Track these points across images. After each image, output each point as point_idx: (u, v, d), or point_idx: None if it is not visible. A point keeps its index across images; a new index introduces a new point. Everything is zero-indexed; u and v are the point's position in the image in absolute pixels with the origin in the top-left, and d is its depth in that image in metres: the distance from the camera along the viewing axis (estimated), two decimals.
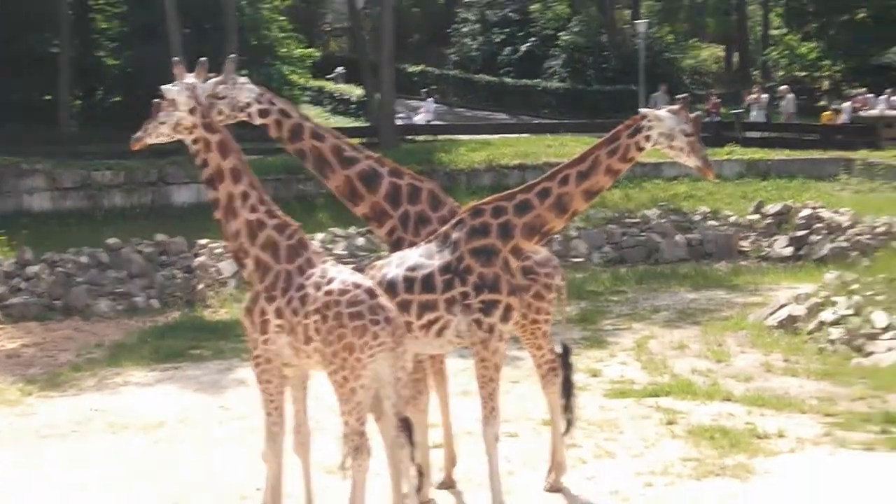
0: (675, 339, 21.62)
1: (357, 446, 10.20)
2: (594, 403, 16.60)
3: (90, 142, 43.04)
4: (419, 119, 54.75)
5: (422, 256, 11.33)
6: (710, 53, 76.82)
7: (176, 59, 11.39)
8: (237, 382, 18.97)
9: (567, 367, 12.81)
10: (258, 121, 12.30)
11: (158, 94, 10.87)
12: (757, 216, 35.02)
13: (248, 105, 12.26)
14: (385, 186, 12.25)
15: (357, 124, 56.19)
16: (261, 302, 10.64)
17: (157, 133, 10.89)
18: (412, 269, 11.24)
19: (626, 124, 11.30)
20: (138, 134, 10.92)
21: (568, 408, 12.77)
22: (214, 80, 12.04)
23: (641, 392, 17.32)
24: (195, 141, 10.86)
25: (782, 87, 52.08)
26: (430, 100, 56.00)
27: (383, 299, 10.25)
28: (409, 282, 11.17)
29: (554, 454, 12.82)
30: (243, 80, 12.32)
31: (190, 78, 11.06)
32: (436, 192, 12.39)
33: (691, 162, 11.23)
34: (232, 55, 12.40)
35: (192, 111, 10.82)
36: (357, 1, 60.48)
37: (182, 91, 10.84)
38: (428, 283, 11.15)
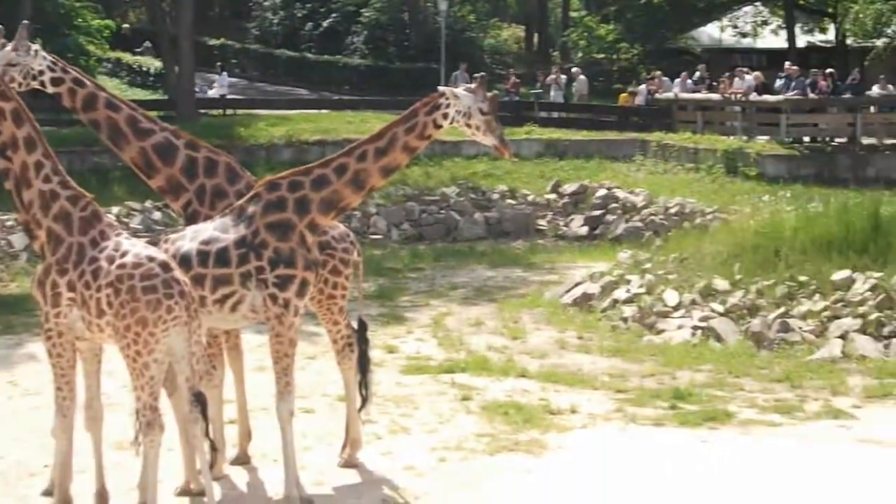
0: (472, 316, 21.80)
1: (149, 421, 10.06)
2: (390, 379, 16.63)
3: None
4: (213, 93, 54.04)
5: (216, 230, 11.19)
6: (511, 34, 77.60)
7: None
8: (27, 357, 18.53)
9: (363, 342, 12.79)
10: (51, 89, 12.03)
11: None
12: (554, 195, 35.55)
13: (41, 73, 11.98)
14: (181, 159, 12.08)
15: (155, 97, 55.31)
16: (52, 274, 10.40)
17: None
18: (206, 242, 11.10)
19: (424, 102, 11.33)
20: None
21: (363, 383, 12.76)
22: (8, 47, 11.74)
23: (437, 368, 17.42)
24: None
25: (574, 69, 52.78)
26: (224, 74, 55.17)
27: (177, 273, 10.11)
28: (203, 255, 11.03)
29: (349, 430, 12.80)
30: (36, 47, 12.02)
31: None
32: (233, 166, 12.27)
33: (488, 140, 11.32)
34: (25, 22, 12.07)
35: None
36: None
37: None
38: (222, 258, 11.02)
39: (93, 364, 11.00)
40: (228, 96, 53.22)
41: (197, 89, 49.10)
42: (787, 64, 42.22)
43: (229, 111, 48.20)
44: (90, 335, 10.46)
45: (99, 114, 12.07)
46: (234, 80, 64.16)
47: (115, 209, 29.55)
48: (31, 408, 15.37)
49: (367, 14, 64.39)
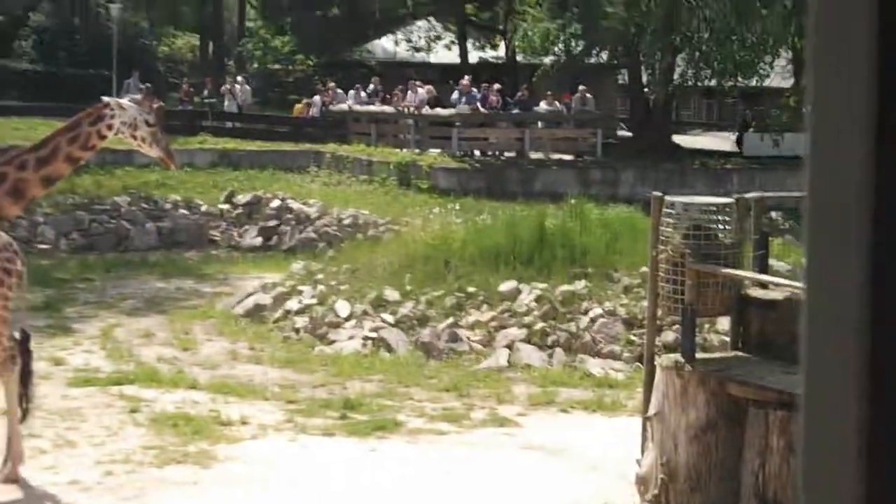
0: (143, 327, 21.52)
1: None
2: (56, 392, 16.27)
3: None
4: None
5: None
6: (186, 42, 76.83)
7: None
8: None
9: (26, 354, 12.48)
10: None
11: None
12: (228, 206, 35.34)
13: None
14: None
15: None
16: None
17: None
18: None
19: (88, 112, 11.17)
20: None
21: (25, 396, 12.44)
22: None
23: (106, 380, 17.14)
24: None
25: (238, 79, 52.47)
26: None
27: None
28: None
29: (11, 444, 12.45)
30: None
31: None
32: None
33: (153, 152, 11.26)
34: None
35: None
36: None
37: None
38: None
39: None
40: None
41: None
42: (465, 79, 42.94)
43: None
44: None
45: None
46: None
47: None
48: None
49: (35, 18, 62.77)
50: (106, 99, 11.30)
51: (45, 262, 28.44)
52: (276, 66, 62.98)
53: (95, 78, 55.54)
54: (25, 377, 12.45)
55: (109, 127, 11.02)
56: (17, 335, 12.47)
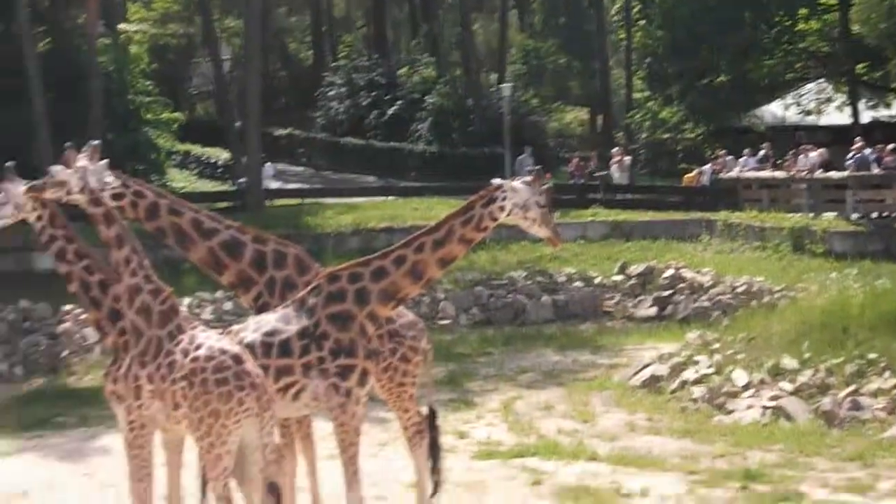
0: (542, 399, 21.83)
1: None
2: (461, 465, 16.70)
3: None
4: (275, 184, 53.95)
5: (279, 321, 11.38)
6: (575, 116, 77.89)
7: (68, 144, 11.65)
8: (102, 451, 18.76)
9: (434, 429, 12.90)
10: (112, 204, 12.17)
11: (16, 158, 11.14)
12: (621, 277, 35.51)
13: (101, 190, 12.21)
14: (249, 253, 12.27)
15: (223, 188, 55.95)
16: (134, 367, 10.65)
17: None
18: (270, 333, 11.28)
19: (481, 195, 11.50)
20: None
21: (435, 470, 12.86)
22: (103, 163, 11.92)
23: (508, 453, 17.46)
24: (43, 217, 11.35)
25: (614, 150, 52.64)
26: (268, 164, 54.23)
27: (249, 365, 10.29)
28: (266, 346, 11.21)
29: None
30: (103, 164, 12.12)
31: (83, 161, 11.26)
32: (301, 257, 12.45)
33: (542, 233, 11.48)
34: (96, 142, 12.25)
35: (81, 190, 11.14)
36: (223, 65, 60.46)
37: (73, 174, 11.13)
38: (285, 348, 11.20)
39: (175, 455, 11.22)
40: (290, 186, 53.31)
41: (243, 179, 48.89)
42: (858, 141, 41.90)
43: (295, 200, 48.32)
44: (169, 426, 10.68)
45: (162, 221, 12.28)
46: (299, 169, 64.79)
47: (186, 300, 29.86)
48: (107, 499, 15.58)
49: (430, 100, 64.84)
50: (497, 181, 11.61)
51: (446, 338, 29.29)
52: (665, 136, 63.11)
53: (489, 156, 56.94)
54: (434, 451, 12.88)
55: (502, 209, 11.35)
56: (424, 410, 12.91)
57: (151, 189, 12.45)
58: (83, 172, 11.27)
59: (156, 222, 12.21)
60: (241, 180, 49.99)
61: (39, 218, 11.30)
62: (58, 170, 11.30)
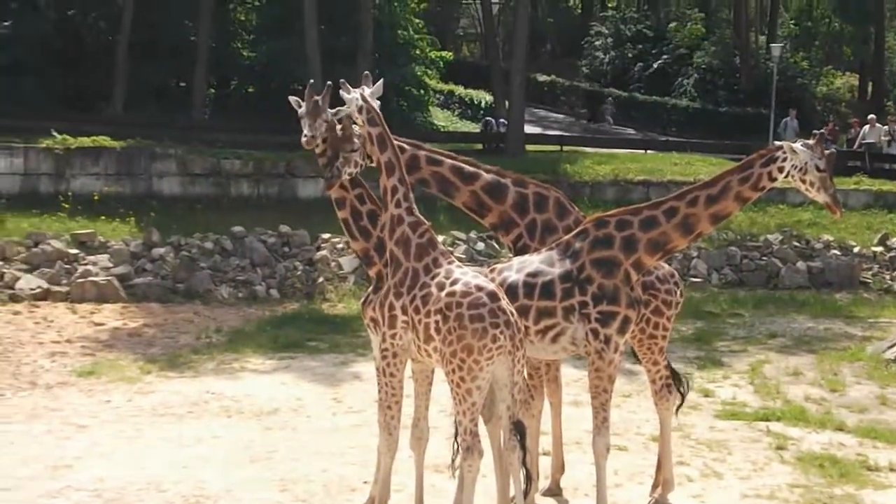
0: (790, 365, 21.48)
1: (468, 446, 10.34)
2: (704, 423, 16.61)
3: (221, 130, 43.67)
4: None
5: (543, 263, 11.43)
6: (844, 81, 75.99)
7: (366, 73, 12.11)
8: (352, 376, 19.22)
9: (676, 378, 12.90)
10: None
11: (290, 87, 11.41)
12: (881, 248, 34.66)
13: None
14: (512, 196, 12.37)
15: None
16: (390, 297, 10.85)
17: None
18: (533, 275, 11.34)
19: (761, 153, 11.35)
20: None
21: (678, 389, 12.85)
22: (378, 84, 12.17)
23: (753, 415, 17.24)
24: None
25: (870, 117, 50.82)
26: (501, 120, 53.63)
27: (504, 303, 10.37)
28: (528, 287, 11.28)
29: (661, 470, 12.85)
30: (378, 86, 12.36)
31: (354, 92, 11.62)
32: (562, 201, 12.48)
33: (820, 198, 11.25)
34: (366, 73, 12.50)
35: (359, 109, 11.42)
36: (492, 7, 60.73)
37: (352, 97, 11.54)
38: (547, 290, 11.24)
39: (423, 385, 11.42)
40: (550, 133, 53.18)
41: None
42: None
43: (554, 147, 48.37)
44: (420, 358, 10.86)
45: (423, 172, 12.44)
46: (560, 116, 64.88)
47: (440, 238, 30.12)
48: (354, 425, 15.98)
49: (698, 56, 64.13)
50: (778, 143, 11.46)
51: (696, 296, 29.02)
52: None
53: (753, 116, 56.23)
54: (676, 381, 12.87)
55: (780, 170, 11.19)
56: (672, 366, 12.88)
57: (407, 142, 12.58)
58: (362, 93, 11.50)
59: (418, 174, 12.37)
60: (489, 119, 50.47)
61: (325, 140, 11.49)
62: (347, 98, 11.60)
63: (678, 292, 12.61)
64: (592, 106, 67.32)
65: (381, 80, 12.04)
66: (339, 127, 11.47)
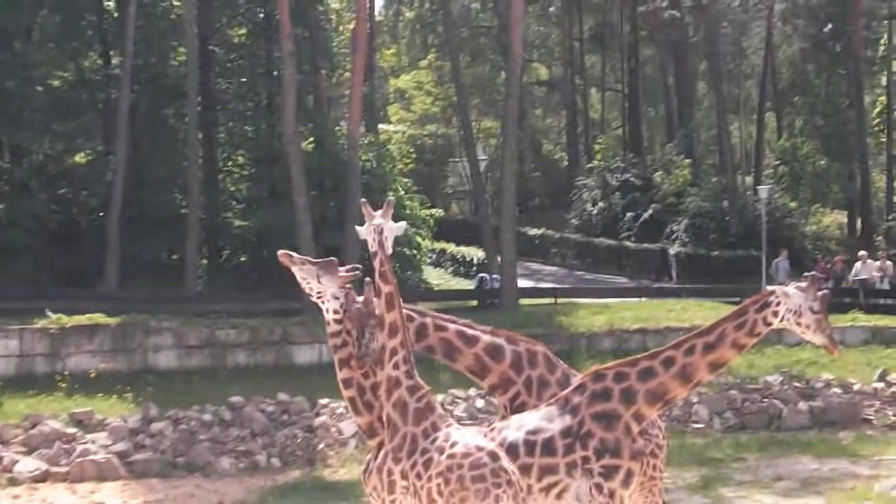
0: None
1: None
2: None
3: (215, 300, 43.74)
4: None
5: (542, 420, 11.39)
6: (833, 219, 76.41)
7: (363, 200, 12.19)
8: None
9: None
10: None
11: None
12: (882, 384, 34.56)
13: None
14: (509, 355, 12.42)
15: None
16: (388, 462, 10.79)
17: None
18: (533, 432, 11.29)
19: (754, 299, 11.41)
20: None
21: None
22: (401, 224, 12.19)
23: None
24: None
25: (861, 253, 51.03)
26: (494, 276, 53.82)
27: (505, 462, 10.33)
28: (529, 445, 11.23)
29: None
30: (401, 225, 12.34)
31: (378, 218, 11.52)
32: (548, 356, 12.57)
33: (817, 339, 11.30)
34: (390, 199, 12.55)
35: (373, 256, 11.39)
36: (479, 165, 61.29)
37: (369, 232, 11.51)
38: (549, 447, 11.19)
39: None
40: (543, 285, 53.35)
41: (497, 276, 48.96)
42: None
43: (549, 300, 48.40)
44: None
45: (431, 339, 12.50)
46: (553, 268, 65.11)
47: (439, 397, 30.11)
48: None
49: (689, 201, 64.59)
50: (770, 287, 11.52)
51: (699, 441, 28.91)
52: None
53: (744, 259, 56.36)
54: None
55: (775, 314, 11.26)
56: None
57: (413, 309, 12.61)
58: (380, 229, 11.52)
59: (425, 341, 12.41)
60: (484, 276, 50.77)
61: (339, 318, 11.54)
62: (360, 230, 11.69)
63: (661, 436, 12.65)
64: (654, 264, 66.64)
65: (403, 222, 12.07)
66: (361, 299, 11.49)
